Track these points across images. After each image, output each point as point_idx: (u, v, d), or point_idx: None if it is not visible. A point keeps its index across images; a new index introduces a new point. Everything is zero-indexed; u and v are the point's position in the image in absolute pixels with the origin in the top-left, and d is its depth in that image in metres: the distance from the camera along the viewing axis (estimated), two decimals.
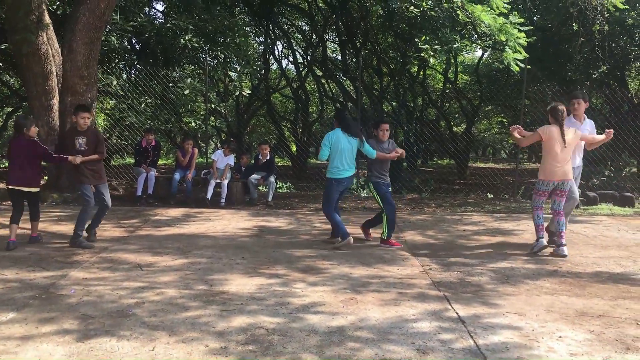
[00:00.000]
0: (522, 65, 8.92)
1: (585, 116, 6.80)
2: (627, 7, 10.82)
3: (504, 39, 8.43)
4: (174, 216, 8.54)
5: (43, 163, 6.55)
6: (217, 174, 10.02)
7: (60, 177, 10.02)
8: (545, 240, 6.33)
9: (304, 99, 20.18)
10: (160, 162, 12.58)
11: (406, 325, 3.91)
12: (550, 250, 6.25)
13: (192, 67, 14.88)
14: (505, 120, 25.04)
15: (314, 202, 10.44)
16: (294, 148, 20.49)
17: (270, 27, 19.26)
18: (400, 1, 10.14)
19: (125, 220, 8.05)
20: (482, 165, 27.93)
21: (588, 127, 6.71)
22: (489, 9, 8.47)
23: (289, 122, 22.84)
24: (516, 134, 6.52)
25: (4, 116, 21.67)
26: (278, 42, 21.71)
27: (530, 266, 5.72)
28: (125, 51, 13.96)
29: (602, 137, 6.58)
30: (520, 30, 8.51)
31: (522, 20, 8.73)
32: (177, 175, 10.15)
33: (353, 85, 20.38)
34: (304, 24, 21.26)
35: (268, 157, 10.38)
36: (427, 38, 9.81)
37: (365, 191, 11.03)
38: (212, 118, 14.98)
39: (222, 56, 13.52)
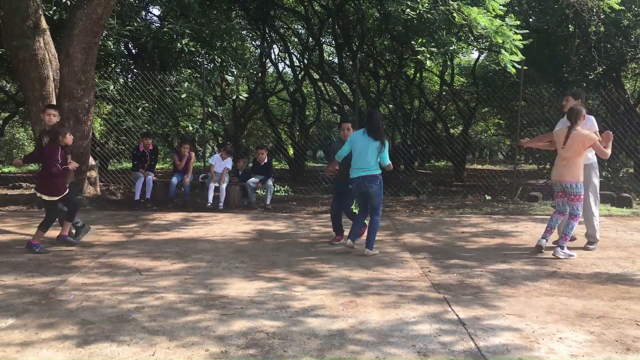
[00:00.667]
0: (519, 67, 8.96)
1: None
2: (623, 8, 10.87)
3: (500, 41, 8.47)
4: (173, 220, 8.53)
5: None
6: (215, 178, 10.02)
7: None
8: (544, 241, 6.33)
9: (300, 102, 20.21)
10: (157, 166, 12.56)
11: (406, 327, 3.91)
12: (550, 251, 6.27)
13: (189, 71, 14.87)
14: (502, 121, 25.10)
15: (312, 205, 10.44)
16: (291, 151, 20.50)
17: (267, 31, 19.28)
18: (396, 4, 10.16)
19: (124, 225, 8.03)
20: (479, 167, 27.98)
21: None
22: (485, 11, 8.51)
23: (286, 125, 22.86)
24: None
25: (1, 122, 21.62)
26: (274, 46, 21.75)
27: (530, 267, 5.73)
28: (122, 56, 13.95)
29: (607, 150, 6.20)
30: (516, 33, 8.55)
31: (518, 22, 8.77)
32: (174, 180, 10.14)
33: (350, 88, 20.39)
34: (300, 27, 21.28)
35: (266, 161, 10.39)
36: (424, 40, 9.82)
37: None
38: (209, 122, 14.97)
39: (219, 60, 13.51)
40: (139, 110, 11.96)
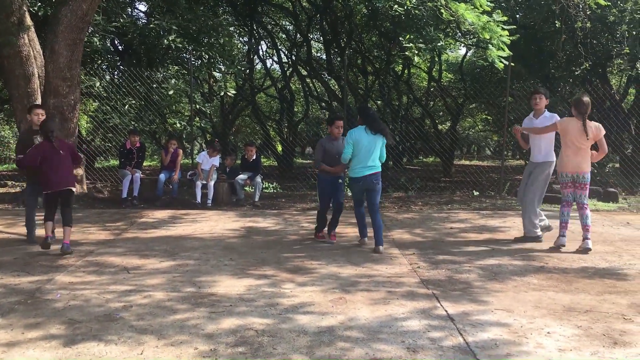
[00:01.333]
0: (506, 63, 8.99)
1: (546, 110, 6.78)
2: (609, 4, 10.95)
3: (487, 37, 8.49)
4: (161, 218, 8.48)
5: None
6: (203, 176, 9.97)
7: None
8: (565, 239, 6.41)
9: (289, 99, 20.15)
10: (145, 163, 12.46)
11: (396, 324, 3.92)
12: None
13: (176, 67, 14.77)
14: (489, 117, 25.22)
15: (301, 202, 10.43)
16: (279, 148, 20.45)
17: (254, 27, 19.20)
18: (384, 0, 10.15)
19: (111, 223, 7.97)
20: (467, 162, 28.11)
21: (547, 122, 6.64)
22: (472, 7, 8.52)
23: (275, 122, 22.80)
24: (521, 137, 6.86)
25: None
26: (262, 42, 21.69)
27: (518, 263, 5.76)
28: (108, 52, 13.82)
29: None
30: (503, 29, 8.58)
31: (505, 18, 8.80)
32: (162, 177, 10.09)
33: (338, 85, 20.38)
34: (288, 23, 21.22)
35: (254, 158, 10.36)
36: (412, 36, 9.81)
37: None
38: (197, 119, 14.89)
39: (206, 56, 13.44)
40: (126, 107, 11.87)
